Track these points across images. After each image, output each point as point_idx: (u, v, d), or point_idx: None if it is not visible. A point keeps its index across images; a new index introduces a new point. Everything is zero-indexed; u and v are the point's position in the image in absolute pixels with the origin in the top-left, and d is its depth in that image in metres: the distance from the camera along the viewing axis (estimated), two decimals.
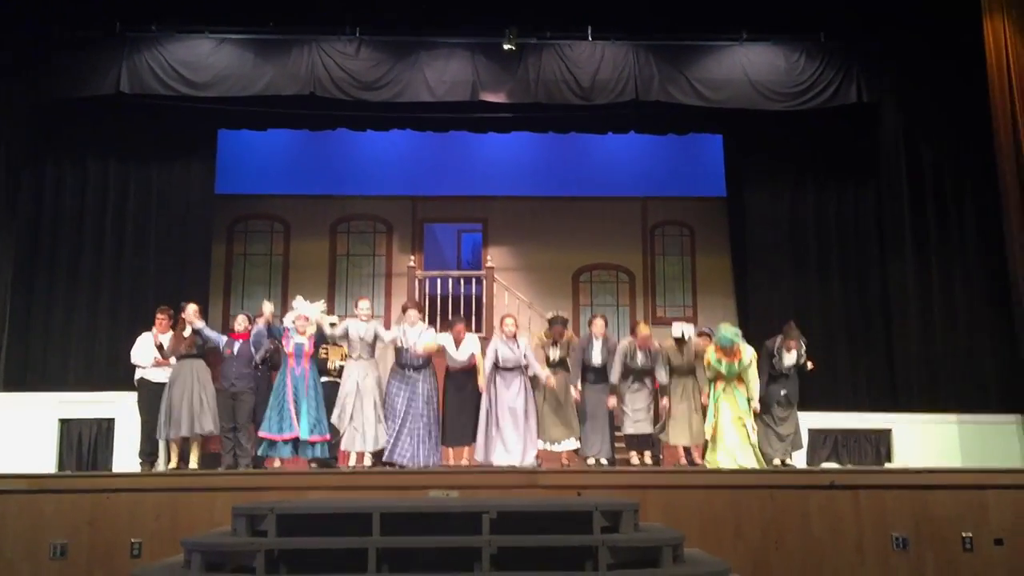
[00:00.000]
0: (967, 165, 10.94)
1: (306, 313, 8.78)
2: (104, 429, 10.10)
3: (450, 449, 8.97)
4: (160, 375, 9.06)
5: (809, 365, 9.27)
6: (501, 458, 8.62)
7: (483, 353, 8.87)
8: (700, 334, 9.29)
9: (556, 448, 8.87)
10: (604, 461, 8.85)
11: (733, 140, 12.32)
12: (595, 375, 8.99)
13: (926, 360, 10.68)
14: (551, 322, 9.13)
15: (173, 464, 8.71)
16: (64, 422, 10.15)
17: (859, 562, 7.65)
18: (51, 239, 11.01)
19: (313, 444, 8.60)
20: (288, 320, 8.93)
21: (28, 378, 10.57)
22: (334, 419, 8.69)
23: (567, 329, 9.14)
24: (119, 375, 10.13)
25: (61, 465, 10.01)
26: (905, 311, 10.83)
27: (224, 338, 8.97)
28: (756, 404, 8.83)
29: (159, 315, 9.32)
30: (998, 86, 10.04)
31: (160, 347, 9.05)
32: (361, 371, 8.72)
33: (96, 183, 11.24)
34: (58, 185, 11.14)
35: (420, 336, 8.72)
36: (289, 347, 8.70)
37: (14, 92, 10.41)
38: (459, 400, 8.84)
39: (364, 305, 9.04)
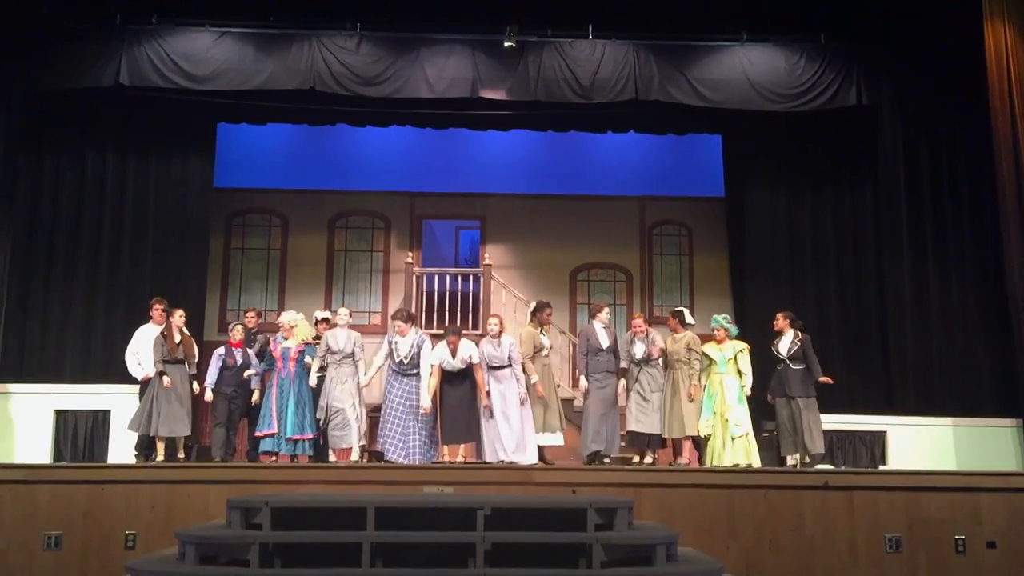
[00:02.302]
0: (965, 168, 10.94)
1: (290, 321, 9.28)
2: (100, 421, 10.10)
3: (445, 447, 8.97)
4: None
5: (824, 379, 9.22)
6: (500, 456, 8.61)
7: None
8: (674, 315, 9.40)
9: (542, 442, 8.87)
10: (607, 460, 8.80)
11: (732, 141, 12.34)
12: (603, 360, 8.97)
13: (922, 363, 10.67)
14: (535, 310, 9.19)
15: (160, 457, 8.76)
16: (60, 413, 10.15)
17: (852, 563, 7.68)
18: (48, 231, 11.00)
19: (296, 442, 8.95)
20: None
21: (25, 369, 10.56)
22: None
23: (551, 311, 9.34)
24: (115, 367, 10.10)
25: (57, 456, 10.01)
26: (901, 313, 10.82)
27: (216, 370, 9.09)
28: (748, 389, 9.00)
29: (156, 306, 9.34)
30: (998, 90, 10.05)
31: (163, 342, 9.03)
32: (341, 375, 8.98)
33: (94, 175, 11.23)
34: (56, 177, 11.14)
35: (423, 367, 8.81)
36: (277, 351, 9.18)
37: (13, 82, 10.36)
38: (456, 398, 8.83)
39: (343, 313, 9.32)
